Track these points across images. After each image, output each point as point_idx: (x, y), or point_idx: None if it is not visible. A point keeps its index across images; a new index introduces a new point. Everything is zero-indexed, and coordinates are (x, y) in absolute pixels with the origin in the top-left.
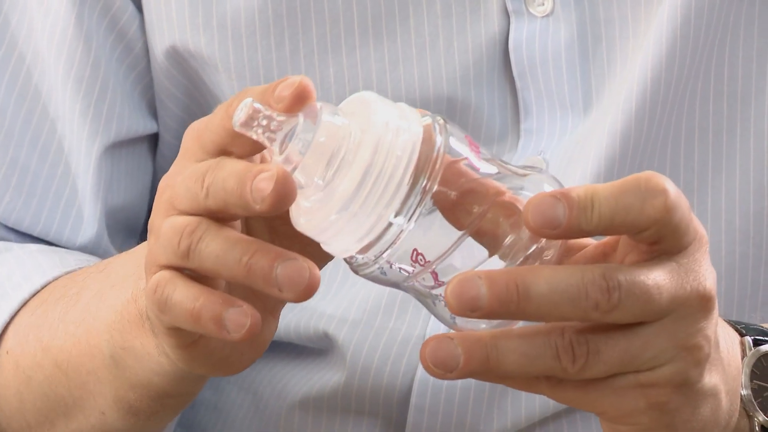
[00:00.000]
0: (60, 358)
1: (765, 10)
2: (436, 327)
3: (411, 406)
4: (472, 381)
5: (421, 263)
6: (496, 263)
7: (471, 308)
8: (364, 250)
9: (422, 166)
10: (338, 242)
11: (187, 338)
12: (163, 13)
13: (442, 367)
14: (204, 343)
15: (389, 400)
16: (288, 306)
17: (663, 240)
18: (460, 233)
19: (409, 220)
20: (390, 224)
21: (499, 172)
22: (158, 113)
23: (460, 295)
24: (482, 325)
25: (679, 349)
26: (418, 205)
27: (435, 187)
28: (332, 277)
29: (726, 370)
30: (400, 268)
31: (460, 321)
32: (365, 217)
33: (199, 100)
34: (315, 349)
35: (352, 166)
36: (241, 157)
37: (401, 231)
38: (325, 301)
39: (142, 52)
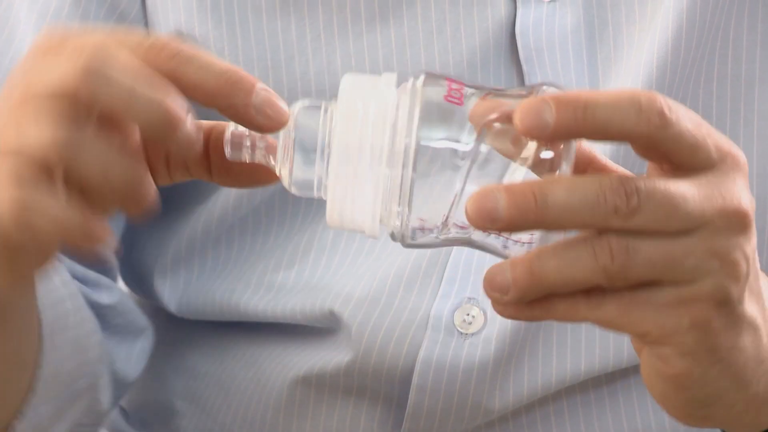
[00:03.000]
0: None
1: None
2: (441, 307)
3: (413, 386)
4: (474, 361)
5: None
6: None
7: (490, 219)
8: (386, 213)
9: (400, 125)
10: (363, 219)
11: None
12: None
13: (498, 290)
14: None
15: (391, 379)
16: (294, 289)
17: (672, 155)
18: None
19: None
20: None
21: (490, 93)
22: None
23: (479, 208)
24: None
25: (718, 261)
26: (406, 161)
27: (414, 144)
28: (344, 255)
29: (765, 313)
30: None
31: (512, 252)
32: (364, 185)
33: None
34: (322, 328)
35: (333, 148)
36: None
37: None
38: (333, 280)
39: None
